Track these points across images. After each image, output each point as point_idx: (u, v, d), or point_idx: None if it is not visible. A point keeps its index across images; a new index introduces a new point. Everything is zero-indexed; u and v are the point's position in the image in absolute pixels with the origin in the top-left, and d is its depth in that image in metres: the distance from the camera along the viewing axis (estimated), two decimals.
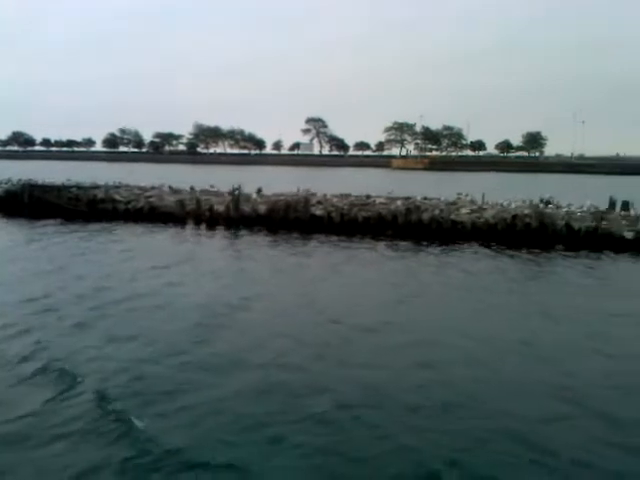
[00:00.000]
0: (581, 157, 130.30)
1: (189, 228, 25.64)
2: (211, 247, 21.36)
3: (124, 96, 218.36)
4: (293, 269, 17.45)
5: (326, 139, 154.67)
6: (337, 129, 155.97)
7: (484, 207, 24.34)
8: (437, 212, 23.65)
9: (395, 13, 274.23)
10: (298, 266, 17.86)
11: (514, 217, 22.40)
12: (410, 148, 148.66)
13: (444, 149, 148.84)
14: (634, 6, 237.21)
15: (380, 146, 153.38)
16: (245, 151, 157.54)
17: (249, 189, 28.85)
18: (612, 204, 27.43)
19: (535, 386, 8.82)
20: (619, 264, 19.29)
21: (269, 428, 7.33)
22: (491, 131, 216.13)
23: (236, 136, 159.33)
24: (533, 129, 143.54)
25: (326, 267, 17.64)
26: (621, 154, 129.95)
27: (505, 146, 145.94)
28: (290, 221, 25.13)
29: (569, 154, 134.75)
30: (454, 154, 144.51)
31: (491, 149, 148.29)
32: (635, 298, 14.71)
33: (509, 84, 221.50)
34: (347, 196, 27.43)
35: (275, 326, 11.47)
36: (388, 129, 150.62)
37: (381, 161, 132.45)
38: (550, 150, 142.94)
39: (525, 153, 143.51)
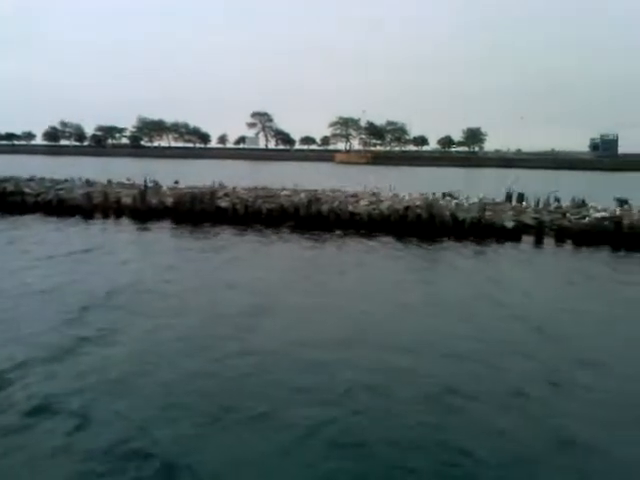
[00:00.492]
0: (518, 152, 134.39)
1: (97, 221, 25.81)
2: (109, 237, 21.66)
3: (64, 89, 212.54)
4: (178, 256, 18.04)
5: (272, 133, 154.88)
6: (283, 123, 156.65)
7: (381, 199, 25.31)
8: (336, 204, 24.50)
9: (348, 12, 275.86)
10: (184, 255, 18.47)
11: (406, 208, 23.43)
12: (355, 143, 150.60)
13: (388, 144, 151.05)
14: (573, 6, 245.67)
15: (325, 140, 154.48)
16: (190, 144, 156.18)
17: (189, 182, 29.40)
18: (509, 196, 28.98)
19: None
20: (500, 250, 20.60)
21: None
22: (434, 127, 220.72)
23: (180, 129, 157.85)
24: (474, 125, 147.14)
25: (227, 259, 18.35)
26: (556, 149, 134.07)
27: (447, 141, 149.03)
28: (196, 213, 25.58)
29: (511, 149, 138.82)
30: (397, 149, 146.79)
31: (433, 144, 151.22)
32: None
33: (451, 82, 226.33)
34: (255, 189, 28.05)
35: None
36: (333, 124, 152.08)
37: (326, 155, 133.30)
38: (490, 145, 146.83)
39: (466, 148, 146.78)
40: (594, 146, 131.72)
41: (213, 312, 12.09)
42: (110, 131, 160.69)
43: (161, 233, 22.79)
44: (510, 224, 22.08)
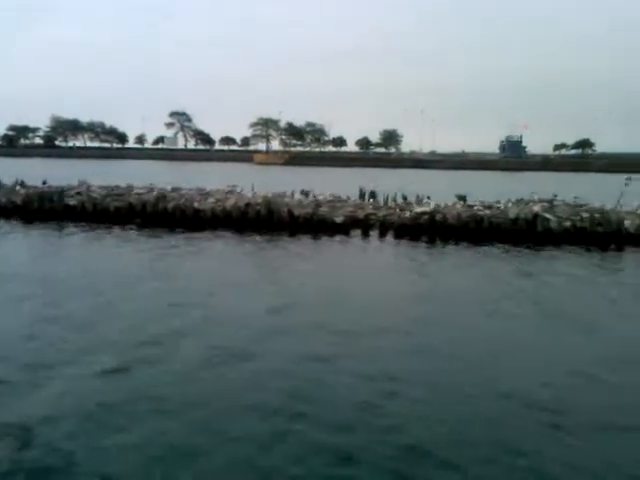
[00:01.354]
0: (433, 153, 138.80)
1: None
2: None
3: None
4: None
5: (191, 133, 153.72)
6: (203, 124, 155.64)
7: (228, 197, 26.15)
8: (182, 201, 25.19)
9: (266, 11, 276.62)
10: None
11: (247, 205, 24.38)
12: (275, 143, 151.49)
13: (308, 145, 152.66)
14: (490, 6, 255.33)
15: (246, 141, 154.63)
16: (107, 145, 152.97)
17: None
18: (362, 194, 30.47)
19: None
20: (327, 243, 21.85)
21: None
22: (352, 128, 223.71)
23: (96, 129, 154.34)
24: (390, 127, 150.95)
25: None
26: (467, 150, 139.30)
27: (364, 143, 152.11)
28: (46, 211, 25.73)
29: (424, 151, 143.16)
30: (317, 150, 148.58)
31: (352, 145, 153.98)
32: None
33: (371, 84, 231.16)
34: (109, 187, 28.36)
35: None
36: (253, 124, 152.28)
37: (246, 156, 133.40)
38: (407, 146, 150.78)
39: (383, 149, 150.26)
40: (503, 147, 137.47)
41: None
42: (23, 131, 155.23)
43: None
44: (340, 219, 23.36)
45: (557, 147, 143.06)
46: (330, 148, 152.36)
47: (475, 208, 23.54)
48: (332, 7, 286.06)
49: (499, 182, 63.35)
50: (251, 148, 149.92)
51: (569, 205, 23.28)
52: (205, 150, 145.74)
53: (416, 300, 13.91)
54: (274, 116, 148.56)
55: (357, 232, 23.43)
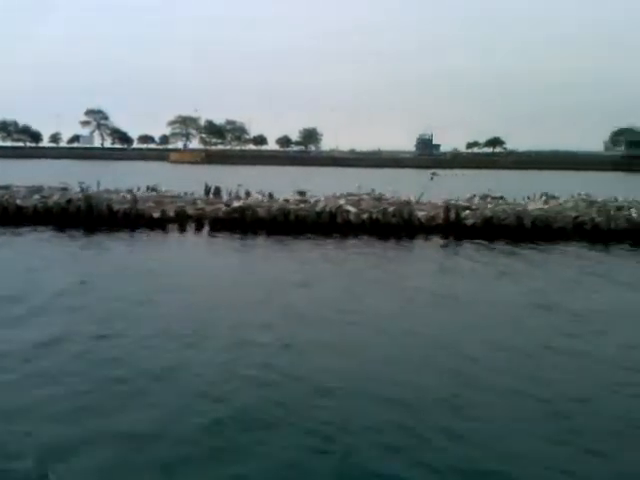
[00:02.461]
0: (352, 152, 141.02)
1: None
2: None
3: None
4: None
5: (108, 131, 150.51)
6: (121, 122, 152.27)
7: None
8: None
9: (185, 11, 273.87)
10: None
11: (68, 201, 24.55)
12: (196, 142, 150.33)
13: (229, 143, 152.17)
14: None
15: (165, 139, 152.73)
16: (20, 144, 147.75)
17: None
18: (207, 190, 31.05)
19: None
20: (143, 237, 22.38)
21: None
22: (274, 127, 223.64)
23: (8, 128, 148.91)
24: (309, 125, 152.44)
25: None
26: (382, 149, 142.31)
27: (285, 141, 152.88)
28: None
29: (344, 149, 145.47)
30: (238, 148, 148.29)
31: (273, 144, 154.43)
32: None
33: (293, 83, 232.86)
34: None
35: None
36: (172, 122, 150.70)
37: (164, 154, 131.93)
38: (328, 145, 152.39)
39: (304, 147, 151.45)
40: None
41: None
42: None
43: None
44: (157, 214, 23.88)
45: (469, 145, 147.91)
46: (251, 147, 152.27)
47: (291, 202, 24.46)
48: (259, 5, 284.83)
49: (392, 179, 65.03)
50: (170, 147, 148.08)
51: (375, 199, 24.44)
52: (122, 149, 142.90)
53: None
54: (195, 114, 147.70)
55: (175, 226, 24.03)
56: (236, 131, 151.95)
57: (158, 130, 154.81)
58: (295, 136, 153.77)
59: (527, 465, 6.49)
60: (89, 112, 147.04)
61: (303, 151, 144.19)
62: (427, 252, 20.77)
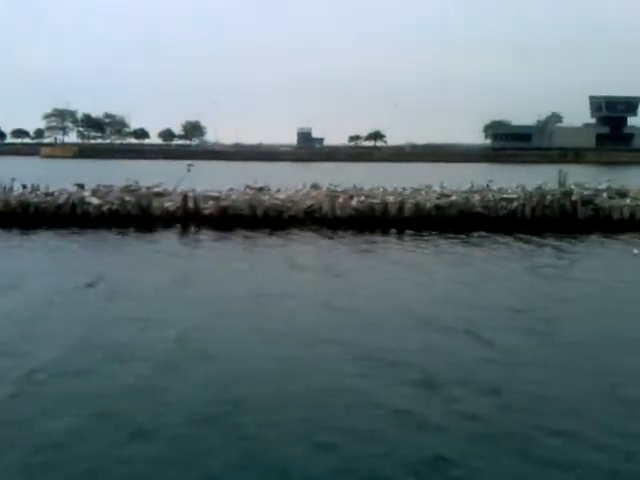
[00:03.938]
0: (236, 145, 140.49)
1: None
2: None
3: None
4: None
5: None
6: None
7: None
8: None
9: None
10: None
11: None
12: (73, 135, 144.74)
13: (108, 137, 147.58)
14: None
15: (40, 133, 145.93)
16: None
17: None
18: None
19: None
20: None
21: None
22: (157, 120, 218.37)
23: None
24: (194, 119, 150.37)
25: None
26: (264, 143, 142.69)
27: (167, 135, 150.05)
28: None
29: (228, 142, 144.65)
30: (118, 142, 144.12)
31: (155, 137, 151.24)
32: None
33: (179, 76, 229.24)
34: None
35: None
36: (48, 116, 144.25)
37: (37, 149, 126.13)
38: (213, 138, 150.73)
39: (188, 141, 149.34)
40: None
41: None
42: None
43: None
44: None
45: (352, 139, 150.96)
46: (132, 140, 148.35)
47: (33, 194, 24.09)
48: None
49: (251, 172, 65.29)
50: (46, 141, 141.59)
51: (124, 190, 24.40)
52: None
53: None
54: (72, 107, 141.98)
55: None
56: (115, 124, 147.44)
57: (34, 124, 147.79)
58: (179, 129, 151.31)
59: None
60: None
61: (185, 144, 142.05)
62: (163, 242, 21.08)
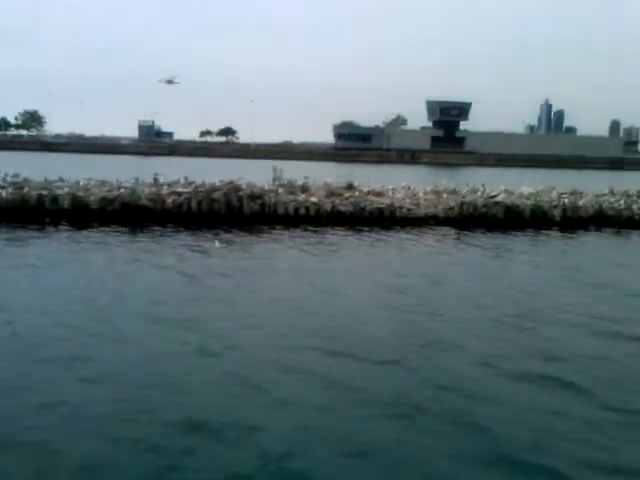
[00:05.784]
0: (79, 137, 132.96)
1: None
2: None
3: None
4: None
5: None
6: None
7: None
8: None
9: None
10: None
11: None
12: None
13: None
14: None
15: None
16: None
17: None
18: None
19: None
20: None
21: None
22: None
23: None
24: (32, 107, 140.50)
25: None
26: (106, 134, 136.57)
27: (1, 124, 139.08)
28: None
29: (77, 133, 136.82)
30: None
31: None
32: None
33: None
34: None
35: None
36: None
37: None
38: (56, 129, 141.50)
39: (25, 131, 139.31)
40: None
41: None
42: None
43: None
44: None
45: (203, 134, 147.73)
46: None
47: None
48: None
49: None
50: None
51: None
52: None
53: None
54: None
55: None
56: None
57: None
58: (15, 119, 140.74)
59: None
60: None
61: (16, 135, 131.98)
62: None
